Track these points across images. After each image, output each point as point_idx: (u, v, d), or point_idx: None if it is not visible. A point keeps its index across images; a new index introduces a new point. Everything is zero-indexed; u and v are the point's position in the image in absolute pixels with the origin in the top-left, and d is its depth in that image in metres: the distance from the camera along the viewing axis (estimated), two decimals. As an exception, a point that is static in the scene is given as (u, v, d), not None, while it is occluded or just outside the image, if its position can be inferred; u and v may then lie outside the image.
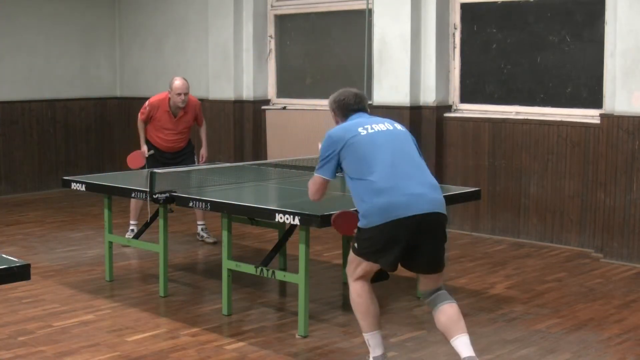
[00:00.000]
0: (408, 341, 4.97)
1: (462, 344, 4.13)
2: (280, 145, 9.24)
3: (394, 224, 4.11)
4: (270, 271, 5.23)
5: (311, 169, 6.72)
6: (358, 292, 4.37)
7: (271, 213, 4.99)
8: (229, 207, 5.33)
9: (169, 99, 7.35)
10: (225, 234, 5.44)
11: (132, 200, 7.27)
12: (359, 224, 4.29)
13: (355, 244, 4.32)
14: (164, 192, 5.59)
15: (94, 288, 6.18)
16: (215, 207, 5.34)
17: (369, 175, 4.19)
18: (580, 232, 7.36)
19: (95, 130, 11.26)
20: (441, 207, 4.23)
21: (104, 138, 11.34)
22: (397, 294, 5.95)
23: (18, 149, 10.48)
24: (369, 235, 4.21)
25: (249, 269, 5.41)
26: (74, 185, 6.35)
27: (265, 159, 9.04)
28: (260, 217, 5.87)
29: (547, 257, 7.11)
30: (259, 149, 9.65)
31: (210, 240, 7.63)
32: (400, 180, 4.16)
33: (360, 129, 4.31)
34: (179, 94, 7.27)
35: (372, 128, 4.33)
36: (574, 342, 4.95)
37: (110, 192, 6.26)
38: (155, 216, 6.23)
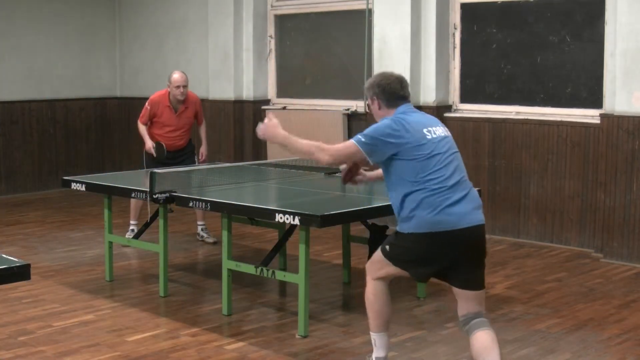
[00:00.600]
0: (408, 341, 4.97)
1: None
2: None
3: (439, 237, 3.93)
4: (270, 271, 5.23)
5: (311, 169, 6.75)
6: (375, 292, 4.23)
7: (271, 213, 4.99)
8: (229, 207, 5.33)
9: (169, 93, 7.39)
10: (225, 234, 5.44)
11: (132, 200, 7.27)
12: (398, 228, 4.07)
13: (387, 247, 4.14)
14: (164, 192, 5.59)
15: (94, 288, 6.18)
16: (215, 207, 5.34)
17: (424, 183, 3.95)
18: (580, 232, 7.36)
19: (95, 130, 11.26)
20: (482, 222, 4.05)
21: (104, 138, 11.34)
22: (397, 294, 5.95)
23: (18, 149, 10.48)
24: (406, 243, 4.03)
25: (249, 269, 5.41)
26: (74, 185, 6.36)
27: (265, 159, 9.03)
28: (260, 217, 5.88)
29: (547, 257, 7.11)
30: (259, 149, 9.65)
31: (210, 240, 7.63)
32: (453, 195, 3.95)
33: (425, 131, 4.05)
34: (178, 87, 7.32)
35: (434, 133, 4.07)
36: (574, 342, 4.95)
37: (110, 192, 6.26)
38: (155, 216, 6.23)
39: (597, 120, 7.14)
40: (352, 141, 4.07)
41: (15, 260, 3.28)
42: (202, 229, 7.72)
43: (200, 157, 7.64)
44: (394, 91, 4.16)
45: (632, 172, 6.78)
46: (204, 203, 5.36)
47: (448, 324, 5.30)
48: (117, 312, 5.58)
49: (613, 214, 6.90)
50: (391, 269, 4.16)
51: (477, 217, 4.01)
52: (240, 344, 4.94)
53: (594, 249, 7.19)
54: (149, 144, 7.44)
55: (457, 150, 4.17)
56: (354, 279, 6.32)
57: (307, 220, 4.78)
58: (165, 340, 5.02)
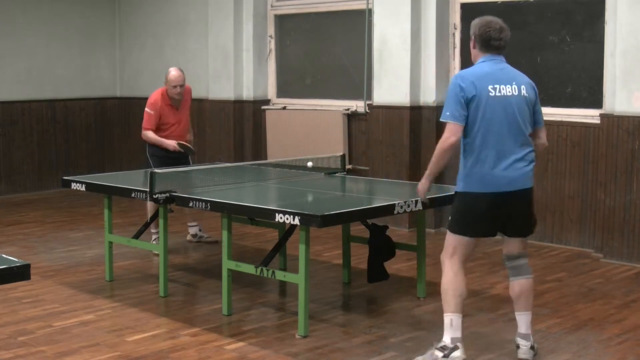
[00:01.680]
0: (408, 341, 4.97)
1: (523, 320, 4.60)
2: (280, 145, 9.24)
3: (491, 195, 4.36)
4: (270, 271, 5.23)
5: (311, 169, 6.74)
6: (455, 271, 4.50)
7: (271, 213, 4.98)
8: (229, 207, 5.33)
9: (166, 91, 7.26)
10: (225, 234, 5.44)
11: (148, 203, 7.00)
12: (456, 188, 4.51)
13: (450, 218, 4.55)
14: (164, 192, 5.59)
15: (94, 288, 6.19)
16: (215, 207, 5.33)
17: (480, 141, 4.35)
18: (580, 232, 7.36)
19: (95, 130, 11.26)
20: (531, 181, 4.47)
21: (104, 138, 11.35)
22: (397, 294, 5.96)
23: (18, 149, 10.48)
24: (464, 204, 4.46)
25: (249, 269, 5.41)
26: (74, 185, 6.36)
27: (265, 159, 9.04)
28: (260, 217, 5.87)
29: (547, 257, 7.11)
30: (259, 149, 9.65)
31: (211, 239, 7.61)
32: (504, 155, 4.35)
33: (490, 88, 4.36)
34: (175, 87, 7.18)
35: (500, 91, 4.37)
36: (574, 342, 4.95)
37: (110, 192, 6.26)
38: (155, 216, 6.23)
39: (597, 120, 7.14)
40: (449, 123, 4.36)
41: (15, 260, 3.28)
42: (199, 229, 7.69)
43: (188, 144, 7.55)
44: (490, 39, 4.49)
45: (632, 172, 6.78)
46: (204, 203, 5.36)
47: (448, 324, 5.29)
48: (117, 312, 5.58)
49: (613, 214, 6.90)
50: (460, 242, 4.50)
51: (517, 184, 4.42)
52: (240, 344, 4.94)
53: (594, 249, 7.19)
54: (173, 143, 7.24)
55: (525, 110, 4.44)
56: (354, 279, 6.32)
57: (307, 220, 4.78)
58: (165, 340, 5.02)
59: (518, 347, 4.59)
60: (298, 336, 5.05)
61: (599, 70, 7.24)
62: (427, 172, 4.57)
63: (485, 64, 4.46)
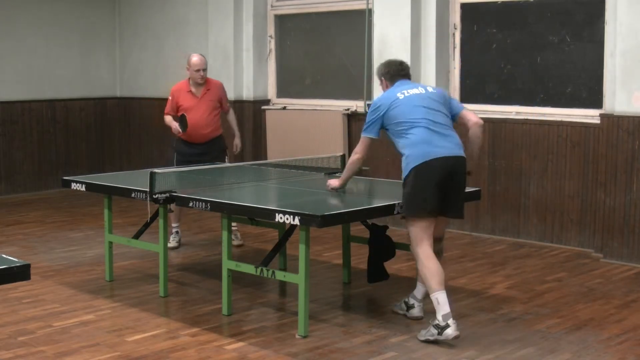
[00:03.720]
0: (408, 341, 4.97)
1: (422, 290, 5.33)
2: (280, 145, 9.24)
3: (426, 164, 4.89)
4: (270, 271, 5.23)
5: (311, 169, 6.76)
6: (426, 255, 4.96)
7: (271, 213, 4.99)
8: (229, 207, 5.33)
9: (189, 79, 7.35)
10: (225, 234, 5.44)
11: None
12: (403, 177, 5.00)
13: (402, 206, 5.05)
14: (164, 192, 5.59)
15: (94, 288, 6.19)
16: (215, 207, 5.33)
17: (407, 132, 5.00)
18: (580, 232, 7.36)
19: (95, 130, 11.26)
20: (462, 152, 5.06)
21: (104, 138, 11.35)
22: (397, 294, 5.95)
23: (18, 149, 10.48)
24: (408, 183, 4.95)
25: (249, 269, 5.41)
26: (74, 185, 6.36)
27: (265, 159, 9.03)
28: (260, 217, 5.88)
29: (547, 257, 7.11)
30: (259, 149, 9.65)
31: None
32: (432, 136, 4.96)
33: (398, 94, 5.10)
34: (198, 70, 7.25)
35: (408, 92, 5.10)
36: (574, 342, 4.95)
37: (110, 192, 6.26)
38: (155, 216, 6.23)
39: (597, 120, 7.14)
40: (363, 136, 5.26)
41: (15, 260, 3.28)
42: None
43: (234, 149, 7.54)
44: (396, 72, 5.31)
45: (632, 172, 6.78)
46: (204, 203, 5.36)
47: (448, 324, 5.29)
48: (117, 312, 5.58)
49: (613, 214, 6.90)
50: (421, 225, 4.99)
51: (452, 152, 5.03)
52: (240, 344, 4.94)
53: (594, 249, 7.19)
54: (174, 125, 7.28)
55: (439, 101, 5.15)
56: (354, 279, 6.32)
57: (307, 220, 4.78)
58: (165, 340, 5.02)
59: (412, 306, 5.33)
60: (298, 336, 5.05)
61: (599, 70, 7.24)
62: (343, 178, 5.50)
63: (393, 87, 5.23)
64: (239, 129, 7.77)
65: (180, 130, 7.24)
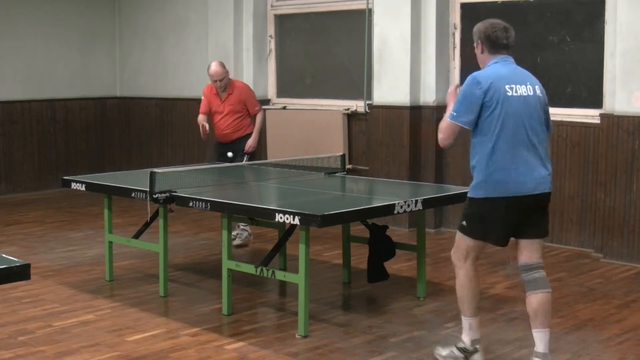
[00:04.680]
0: (408, 341, 4.97)
1: (541, 338, 4.35)
2: (280, 145, 9.24)
3: (509, 201, 4.22)
4: (270, 271, 5.23)
5: (311, 169, 6.74)
6: (469, 275, 4.42)
7: (271, 213, 4.98)
8: (229, 207, 5.33)
9: None
10: (225, 234, 5.44)
11: None
12: (470, 194, 4.37)
13: (464, 222, 4.41)
14: (164, 192, 5.59)
15: (94, 288, 6.19)
16: (215, 207, 5.33)
17: (496, 144, 4.21)
18: (580, 232, 7.36)
19: (95, 130, 11.26)
20: (550, 184, 4.35)
21: (104, 138, 11.35)
22: (397, 294, 5.95)
23: (18, 149, 10.48)
24: (481, 209, 4.31)
25: (249, 269, 5.41)
26: (74, 185, 6.36)
27: (265, 159, 9.04)
28: (260, 217, 5.88)
29: (547, 257, 7.10)
30: (259, 149, 9.62)
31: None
32: (522, 158, 4.22)
33: (507, 87, 4.25)
34: (215, 82, 7.42)
35: (516, 90, 4.27)
36: (574, 342, 4.95)
37: (110, 192, 6.26)
38: (155, 216, 6.23)
39: (597, 120, 7.14)
40: (451, 122, 4.30)
41: (15, 260, 3.28)
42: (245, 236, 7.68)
43: (247, 148, 7.57)
44: (498, 39, 4.38)
45: (632, 172, 6.78)
46: (204, 203, 5.36)
47: (448, 324, 5.30)
48: (117, 312, 5.58)
49: (613, 214, 6.90)
50: (474, 244, 4.39)
51: (537, 187, 4.29)
52: (240, 344, 4.94)
53: (594, 249, 7.19)
54: (202, 129, 7.49)
55: (540, 111, 4.34)
56: (354, 279, 6.32)
57: (307, 220, 4.78)
58: (165, 340, 5.02)
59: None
60: (298, 336, 5.05)
61: (599, 70, 7.24)
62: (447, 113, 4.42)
63: (498, 65, 4.36)
64: (260, 131, 7.73)
65: (207, 127, 7.45)
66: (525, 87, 4.32)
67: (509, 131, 4.20)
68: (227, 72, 7.48)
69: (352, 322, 5.36)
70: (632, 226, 6.80)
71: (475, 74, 4.34)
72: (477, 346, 4.49)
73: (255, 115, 7.65)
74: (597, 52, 7.24)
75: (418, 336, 5.07)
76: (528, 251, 4.37)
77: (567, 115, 7.43)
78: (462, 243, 4.44)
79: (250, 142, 7.59)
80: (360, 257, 6.48)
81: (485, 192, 4.27)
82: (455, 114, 4.27)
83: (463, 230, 4.42)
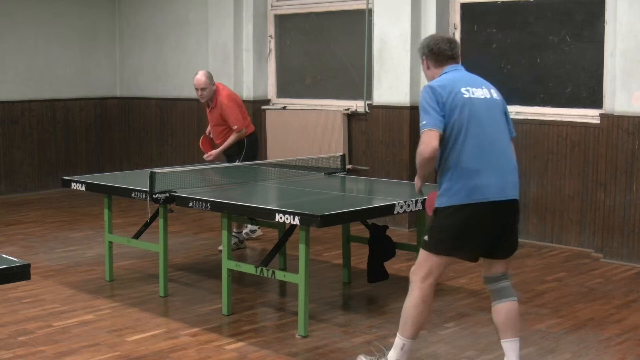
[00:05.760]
0: (408, 341, 4.96)
1: (512, 348, 4.14)
2: (280, 145, 9.24)
3: (475, 207, 3.97)
4: (270, 271, 5.23)
5: (311, 169, 6.74)
6: (424, 298, 4.10)
7: (271, 213, 4.98)
8: (229, 207, 5.33)
9: None
10: (225, 234, 5.44)
11: None
12: (437, 204, 4.08)
13: (426, 237, 4.11)
14: (164, 192, 5.59)
15: (94, 288, 6.19)
16: (215, 207, 5.33)
17: (461, 149, 3.98)
18: (580, 232, 7.36)
19: (95, 130, 11.26)
20: (518, 192, 4.11)
21: (104, 138, 11.35)
22: (397, 294, 5.95)
23: (18, 149, 10.48)
24: (446, 220, 4.03)
25: (249, 269, 5.41)
26: (74, 185, 6.36)
27: (265, 159, 9.04)
28: (260, 217, 5.87)
29: (547, 257, 7.11)
30: (258, 149, 9.64)
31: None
32: (488, 162, 4.00)
33: (463, 90, 4.06)
34: (197, 89, 7.34)
35: (473, 92, 4.07)
36: (574, 342, 4.95)
37: (110, 192, 6.26)
38: (155, 216, 6.23)
39: (597, 120, 7.14)
40: (424, 131, 3.97)
41: (15, 260, 3.27)
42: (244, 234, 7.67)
43: (205, 155, 7.52)
44: (442, 52, 4.22)
45: (632, 172, 6.78)
46: (204, 203, 5.36)
47: (448, 324, 5.30)
48: (117, 312, 5.58)
49: (613, 214, 6.90)
50: (438, 261, 4.08)
51: (508, 193, 4.05)
52: (240, 344, 4.94)
53: (594, 249, 7.19)
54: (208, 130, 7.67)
55: (501, 113, 4.17)
56: (354, 279, 6.32)
57: (307, 220, 4.78)
58: (165, 340, 5.02)
59: None
60: (298, 336, 5.05)
61: (599, 70, 7.24)
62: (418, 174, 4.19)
63: (449, 74, 4.17)
64: (229, 147, 7.53)
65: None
66: (482, 91, 4.13)
67: (474, 135, 3.99)
68: (209, 84, 7.24)
69: (352, 322, 5.36)
70: (632, 226, 6.80)
71: (428, 83, 4.15)
72: None
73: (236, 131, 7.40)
74: (597, 52, 7.24)
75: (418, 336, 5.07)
76: (495, 266, 4.19)
77: (567, 115, 7.43)
78: (424, 261, 4.11)
79: (213, 152, 7.47)
80: (360, 257, 6.48)
81: (450, 199, 4.01)
82: (424, 122, 3.97)
83: (425, 246, 4.10)
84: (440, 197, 4.06)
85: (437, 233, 4.07)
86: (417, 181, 4.22)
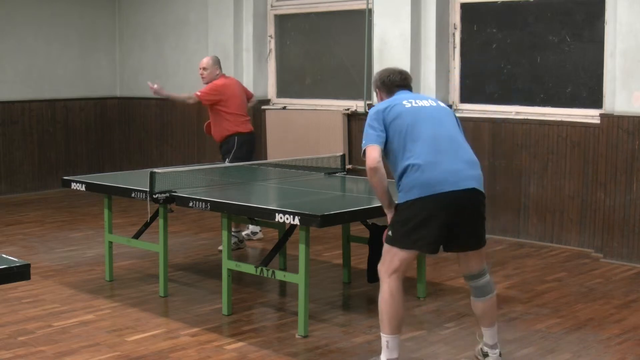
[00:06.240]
0: (408, 341, 4.97)
1: (490, 334, 4.50)
2: (280, 145, 9.24)
3: (432, 198, 4.12)
4: (270, 271, 5.23)
5: (311, 169, 6.74)
6: (392, 291, 4.23)
7: (271, 213, 4.98)
8: (229, 207, 5.33)
9: None
10: (225, 234, 5.44)
11: None
12: (397, 201, 4.27)
13: (390, 232, 4.28)
14: (164, 192, 5.59)
15: (94, 288, 6.19)
16: (215, 207, 5.33)
17: (410, 150, 4.18)
18: (580, 232, 7.36)
19: (95, 130, 11.26)
20: (479, 184, 4.24)
21: (104, 138, 11.35)
22: (397, 294, 5.95)
23: (18, 149, 10.48)
24: (406, 213, 4.19)
25: (249, 269, 5.41)
26: (74, 185, 6.36)
27: (265, 159, 9.04)
28: (260, 217, 5.87)
29: (547, 257, 7.11)
30: (259, 149, 9.64)
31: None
32: (440, 156, 4.17)
33: (405, 102, 4.33)
34: (199, 69, 7.52)
35: (415, 103, 4.34)
36: (574, 342, 4.96)
37: (110, 192, 6.26)
38: (155, 216, 6.23)
39: (597, 120, 7.14)
40: (368, 147, 4.22)
41: (15, 260, 3.27)
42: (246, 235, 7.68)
43: (151, 84, 7.45)
44: (393, 82, 4.51)
45: (632, 172, 6.78)
46: (204, 203, 5.36)
47: (448, 324, 5.30)
48: (117, 312, 5.58)
49: (613, 214, 6.90)
50: (402, 255, 4.24)
51: (463, 183, 4.18)
52: (240, 344, 4.94)
53: (594, 249, 7.19)
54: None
55: (450, 116, 4.41)
56: (354, 279, 6.32)
57: (307, 220, 4.78)
58: (165, 340, 5.02)
59: (486, 355, 4.51)
60: (298, 336, 5.05)
61: (599, 70, 7.24)
62: (385, 205, 4.37)
63: (395, 95, 4.45)
64: (175, 98, 7.79)
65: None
66: (427, 102, 4.41)
67: (421, 136, 4.20)
68: (211, 66, 7.46)
69: (352, 322, 5.37)
70: (632, 226, 6.80)
71: (374, 106, 4.42)
72: None
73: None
74: (597, 52, 7.24)
75: (418, 336, 5.07)
76: (471, 263, 4.34)
77: (567, 115, 7.43)
78: (388, 255, 4.28)
79: (156, 85, 7.42)
80: (360, 257, 6.48)
81: (406, 195, 4.18)
82: (364, 141, 4.24)
83: (389, 241, 4.28)
84: (399, 195, 4.25)
85: (399, 227, 4.25)
86: (386, 212, 4.40)
